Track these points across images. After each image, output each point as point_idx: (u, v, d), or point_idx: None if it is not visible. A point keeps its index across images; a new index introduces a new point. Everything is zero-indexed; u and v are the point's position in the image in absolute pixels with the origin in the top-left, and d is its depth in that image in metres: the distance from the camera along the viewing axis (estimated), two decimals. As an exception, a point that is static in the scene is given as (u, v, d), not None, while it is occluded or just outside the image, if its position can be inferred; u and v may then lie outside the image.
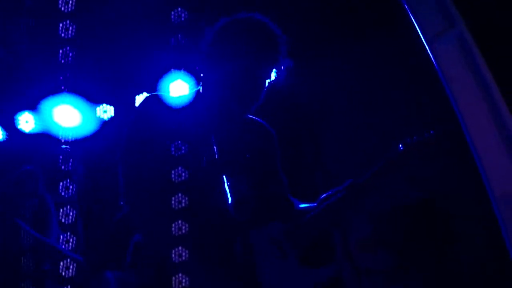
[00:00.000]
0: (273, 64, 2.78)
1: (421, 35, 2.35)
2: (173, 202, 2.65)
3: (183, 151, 2.68)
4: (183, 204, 2.64)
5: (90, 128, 5.17)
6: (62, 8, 3.30)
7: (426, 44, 2.29)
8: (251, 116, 2.95)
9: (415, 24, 2.36)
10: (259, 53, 2.73)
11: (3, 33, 4.57)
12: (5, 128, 4.99)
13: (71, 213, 3.84)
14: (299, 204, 3.00)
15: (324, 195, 2.87)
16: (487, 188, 2.38)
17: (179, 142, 2.68)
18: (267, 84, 2.78)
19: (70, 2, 3.28)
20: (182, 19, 3.54)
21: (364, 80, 4.97)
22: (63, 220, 3.84)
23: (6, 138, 4.95)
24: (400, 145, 2.80)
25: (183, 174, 2.67)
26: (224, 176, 2.76)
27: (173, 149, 2.67)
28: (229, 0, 4.67)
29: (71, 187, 3.92)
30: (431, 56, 2.30)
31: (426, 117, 4.40)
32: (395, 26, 3.57)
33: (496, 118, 2.32)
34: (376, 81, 4.88)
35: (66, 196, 3.89)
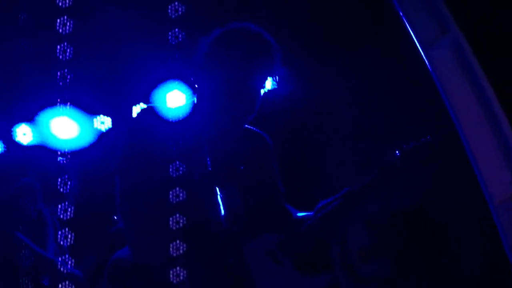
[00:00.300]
0: (267, 73, 2.79)
1: (416, 41, 2.35)
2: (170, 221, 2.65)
3: (181, 172, 2.68)
4: (180, 222, 2.64)
5: (87, 139, 5.18)
6: (59, 8, 3.31)
7: (422, 50, 2.29)
8: (247, 126, 2.95)
9: (410, 30, 2.37)
10: (253, 63, 2.74)
11: (1, 44, 4.58)
12: (3, 140, 4.99)
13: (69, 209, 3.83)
14: (296, 212, 2.99)
15: (321, 204, 2.86)
16: (485, 194, 2.38)
17: (178, 162, 2.68)
18: (262, 93, 2.78)
19: (68, 2, 3.28)
20: (179, 13, 3.53)
21: (361, 87, 4.98)
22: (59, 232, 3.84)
23: (3, 150, 4.96)
24: (397, 151, 2.78)
25: (181, 194, 2.67)
26: (217, 188, 2.76)
27: (171, 169, 2.67)
28: (223, 9, 4.70)
29: (67, 202, 3.92)
30: (427, 62, 2.30)
31: (423, 124, 4.41)
32: (391, 33, 3.57)
33: (492, 123, 2.32)
34: (373, 88, 4.89)
35: (62, 208, 3.89)
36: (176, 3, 3.49)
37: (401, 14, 2.32)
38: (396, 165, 2.75)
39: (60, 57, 3.71)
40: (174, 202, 2.65)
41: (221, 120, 2.79)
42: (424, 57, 2.33)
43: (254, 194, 2.87)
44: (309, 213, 2.92)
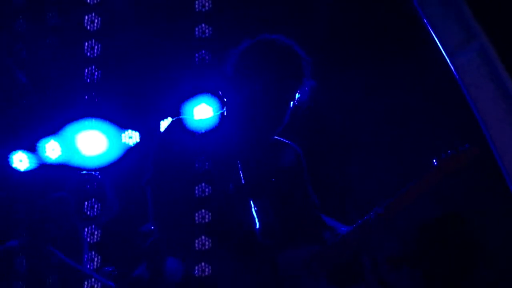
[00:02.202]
0: (297, 86, 2.77)
1: (441, 49, 2.35)
2: (197, 218, 2.66)
3: (206, 167, 2.68)
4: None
5: (116, 154, 5.21)
6: (88, 27, 3.36)
7: (447, 57, 2.28)
8: (277, 137, 2.94)
9: (435, 38, 2.36)
10: (283, 75, 2.72)
11: (28, 57, 4.64)
12: (32, 156, 5.03)
13: (96, 232, 3.85)
14: (331, 221, 2.97)
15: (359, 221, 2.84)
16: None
17: (203, 157, 2.68)
18: (291, 105, 2.77)
19: (96, 21, 3.33)
20: (206, 34, 3.56)
21: (390, 97, 4.95)
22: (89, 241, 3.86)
23: (33, 166, 5.00)
24: (434, 160, 2.73)
25: (207, 190, 2.68)
26: (251, 201, 2.76)
27: (197, 165, 2.68)
28: (253, 20, 4.72)
29: (98, 212, 3.94)
30: (452, 69, 2.29)
31: (452, 134, 4.38)
32: (418, 43, 3.56)
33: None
34: (401, 98, 4.86)
35: (91, 215, 3.92)
36: (203, 24, 3.52)
37: (425, 21, 2.31)
38: (432, 176, 2.70)
39: (88, 80, 3.76)
40: (210, 215, 2.66)
41: (250, 132, 2.78)
42: (450, 64, 2.33)
43: (287, 206, 2.87)
44: (340, 224, 2.91)
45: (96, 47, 3.48)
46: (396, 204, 2.73)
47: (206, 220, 2.63)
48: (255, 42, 2.77)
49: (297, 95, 2.76)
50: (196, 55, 3.58)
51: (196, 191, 2.65)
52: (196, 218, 2.63)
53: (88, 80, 3.62)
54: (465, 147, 2.70)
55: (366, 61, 4.97)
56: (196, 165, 2.66)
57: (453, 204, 4.22)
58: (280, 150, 2.95)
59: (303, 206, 2.95)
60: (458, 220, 4.30)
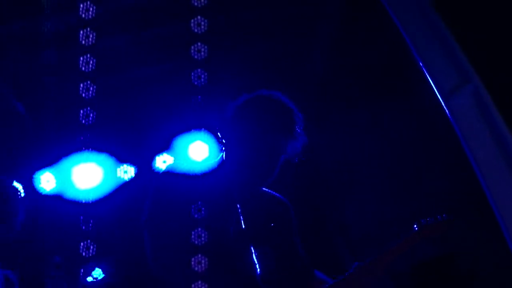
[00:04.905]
0: (288, 141, 2.89)
1: (437, 92, 2.36)
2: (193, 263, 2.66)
3: (203, 212, 2.72)
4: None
5: (110, 188, 5.20)
6: (83, 68, 3.39)
7: (442, 99, 2.30)
8: (266, 190, 3.03)
9: (431, 81, 2.38)
10: (275, 130, 2.86)
11: (25, 90, 4.66)
12: (25, 187, 5.02)
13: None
14: (320, 275, 3.03)
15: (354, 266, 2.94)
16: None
17: (200, 202, 2.73)
18: (282, 159, 2.90)
19: (91, 62, 3.36)
20: (202, 80, 3.62)
21: (385, 140, 4.97)
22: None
23: (25, 197, 4.98)
24: (415, 225, 2.99)
25: (203, 235, 2.69)
26: (251, 247, 2.81)
27: (193, 210, 2.72)
28: (248, 64, 4.76)
29: (91, 247, 3.91)
30: (447, 112, 2.30)
31: (447, 175, 4.39)
32: (413, 85, 3.59)
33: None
34: (397, 140, 4.88)
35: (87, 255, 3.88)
36: (199, 70, 3.58)
37: (421, 64, 2.33)
38: (413, 239, 2.97)
39: (83, 120, 3.77)
40: (206, 260, 2.67)
41: (242, 180, 2.89)
42: (445, 108, 2.34)
43: (282, 254, 2.93)
44: (328, 277, 2.99)
45: (91, 88, 3.52)
46: (377, 261, 2.96)
47: (203, 265, 2.64)
48: (250, 98, 2.92)
49: (288, 149, 2.89)
50: (192, 98, 3.64)
51: (192, 236, 2.68)
52: (193, 263, 2.65)
53: (83, 121, 3.65)
54: (443, 217, 3.00)
55: (363, 104, 4.99)
56: (192, 210, 2.71)
57: (446, 246, 4.22)
58: (269, 202, 3.00)
59: (293, 257, 3.00)
60: (452, 261, 4.32)
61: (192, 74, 3.52)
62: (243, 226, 2.85)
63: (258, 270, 2.81)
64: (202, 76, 3.53)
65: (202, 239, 2.68)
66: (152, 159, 5.22)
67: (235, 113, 2.89)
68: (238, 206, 2.87)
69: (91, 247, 3.91)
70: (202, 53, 3.31)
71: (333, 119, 5.22)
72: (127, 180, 5.30)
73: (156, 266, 2.76)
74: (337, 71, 5.02)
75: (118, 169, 5.32)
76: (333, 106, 5.20)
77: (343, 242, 5.31)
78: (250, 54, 5.00)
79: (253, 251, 2.83)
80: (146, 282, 3.06)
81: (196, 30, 3.30)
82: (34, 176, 5.06)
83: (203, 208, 2.73)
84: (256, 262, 2.81)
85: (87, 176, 5.17)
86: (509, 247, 2.33)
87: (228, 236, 2.80)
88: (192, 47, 3.27)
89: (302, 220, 3.12)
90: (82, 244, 3.83)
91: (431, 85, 2.35)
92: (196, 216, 2.71)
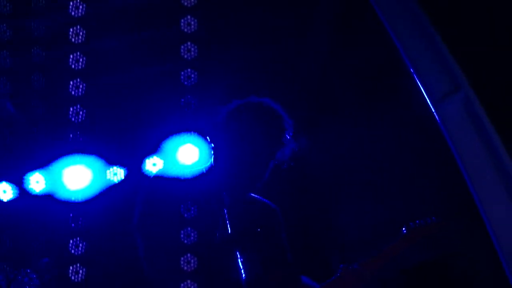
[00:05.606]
0: (278, 146, 2.94)
1: (427, 98, 2.36)
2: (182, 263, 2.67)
3: (192, 212, 2.74)
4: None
5: (99, 189, 5.19)
6: (73, 66, 3.39)
7: (432, 106, 2.30)
8: (253, 195, 3.06)
9: (421, 88, 2.38)
10: (265, 135, 2.91)
11: (16, 92, 4.65)
12: (16, 187, 5.01)
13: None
14: (308, 280, 3.04)
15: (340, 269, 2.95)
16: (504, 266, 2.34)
17: (189, 202, 2.76)
18: (271, 164, 2.94)
19: (81, 60, 3.36)
20: (192, 81, 3.61)
21: (375, 149, 4.98)
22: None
23: (16, 197, 4.98)
24: (404, 229, 3.04)
25: (192, 234, 2.71)
26: (237, 252, 2.82)
27: (182, 209, 2.74)
28: (239, 68, 4.76)
29: (80, 246, 3.89)
30: (437, 119, 2.31)
31: (438, 180, 4.39)
32: (403, 91, 3.59)
33: (504, 181, 2.30)
34: (387, 149, 4.89)
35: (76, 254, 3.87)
36: (189, 70, 3.58)
37: (412, 71, 2.34)
38: (399, 244, 3.05)
39: (73, 119, 3.76)
40: (196, 263, 2.69)
41: (231, 185, 2.92)
42: (435, 114, 2.34)
43: (269, 259, 2.95)
44: (316, 283, 3.00)
45: (81, 86, 3.51)
46: (365, 266, 3.01)
47: (192, 265, 2.66)
48: (241, 104, 2.95)
49: (277, 155, 2.93)
50: (182, 99, 3.64)
51: (182, 236, 2.71)
52: (182, 263, 2.67)
53: (73, 119, 3.64)
54: (433, 220, 3.05)
55: (354, 109, 5.00)
56: (182, 209, 2.74)
57: (433, 251, 4.23)
58: (256, 208, 3.01)
59: (277, 264, 3.02)
60: (440, 266, 4.32)
61: (182, 75, 3.52)
62: (229, 231, 2.86)
63: (244, 275, 2.81)
64: (192, 77, 3.53)
65: (191, 238, 2.71)
66: (141, 161, 5.22)
67: (225, 119, 2.93)
68: (225, 211, 2.87)
69: (80, 246, 3.90)
70: (192, 54, 3.32)
71: (324, 124, 5.22)
72: (117, 182, 5.29)
73: (148, 267, 2.79)
74: (328, 76, 5.03)
75: (108, 171, 5.31)
76: (323, 111, 5.20)
77: (333, 247, 5.31)
78: (242, 58, 5.00)
79: (238, 256, 2.84)
80: (135, 282, 3.07)
81: (186, 31, 3.31)
82: (24, 177, 5.05)
83: (192, 208, 2.76)
84: (241, 267, 2.82)
85: (77, 178, 5.16)
86: (496, 250, 2.34)
87: (214, 240, 2.82)
88: (182, 49, 3.28)
89: (292, 225, 3.14)
90: (71, 243, 3.82)
91: (422, 91, 2.36)
92: (185, 215, 2.74)
